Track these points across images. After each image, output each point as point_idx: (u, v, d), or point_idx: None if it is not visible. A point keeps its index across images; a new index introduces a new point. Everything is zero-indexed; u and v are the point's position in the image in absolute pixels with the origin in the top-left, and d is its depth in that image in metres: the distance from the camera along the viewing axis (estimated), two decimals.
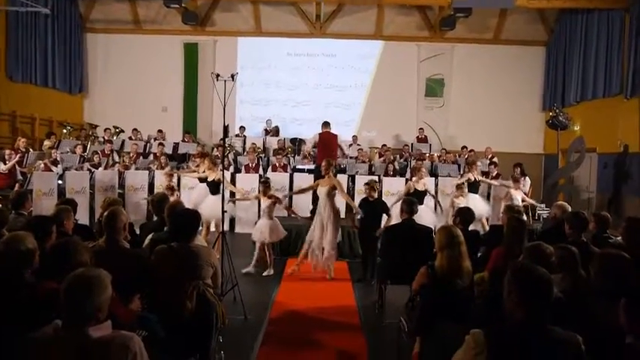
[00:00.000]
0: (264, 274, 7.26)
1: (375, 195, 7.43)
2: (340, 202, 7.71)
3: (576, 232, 4.47)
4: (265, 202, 7.56)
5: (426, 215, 8.09)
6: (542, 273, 2.26)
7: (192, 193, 9.20)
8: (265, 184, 7.86)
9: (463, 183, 9.37)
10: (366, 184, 7.49)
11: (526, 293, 2.21)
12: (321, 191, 7.30)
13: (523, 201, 9.15)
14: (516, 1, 12.70)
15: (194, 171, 9.18)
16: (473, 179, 9.44)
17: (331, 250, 7.26)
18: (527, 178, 10.90)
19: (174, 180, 9.43)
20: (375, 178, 9.95)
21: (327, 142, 9.23)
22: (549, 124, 12.80)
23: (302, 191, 8.60)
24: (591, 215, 5.16)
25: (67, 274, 2.24)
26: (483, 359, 2.15)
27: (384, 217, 7.46)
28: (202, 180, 8.60)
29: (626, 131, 11.68)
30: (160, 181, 10.04)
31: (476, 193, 9.58)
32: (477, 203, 8.95)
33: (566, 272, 3.35)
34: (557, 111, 12.41)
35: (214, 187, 8.20)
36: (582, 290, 3.08)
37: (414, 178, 8.82)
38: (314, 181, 9.11)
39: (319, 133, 9.34)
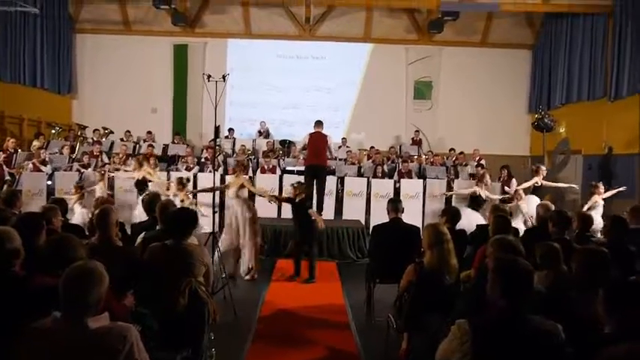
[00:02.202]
0: None
1: (302, 195, 7.39)
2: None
3: (560, 230, 4.59)
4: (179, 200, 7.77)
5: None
6: (523, 265, 2.38)
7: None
8: (179, 182, 8.19)
9: (518, 190, 9.23)
10: (292, 185, 7.56)
11: (508, 283, 2.32)
12: (230, 193, 7.37)
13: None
14: (502, 5, 12.89)
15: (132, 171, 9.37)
16: (540, 184, 9.48)
17: (252, 249, 7.23)
18: (513, 180, 11.04)
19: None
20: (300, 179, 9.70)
21: (316, 143, 9.13)
22: (535, 126, 12.98)
23: (209, 190, 8.64)
24: (575, 215, 5.29)
25: (62, 269, 2.30)
26: (468, 348, 2.25)
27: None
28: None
29: (611, 133, 11.90)
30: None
31: (540, 197, 9.23)
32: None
33: (550, 268, 3.46)
34: (542, 113, 12.60)
35: (140, 186, 8.59)
36: (564, 284, 3.19)
37: (478, 185, 9.21)
38: (306, 181, 9.16)
39: (310, 134, 9.23)
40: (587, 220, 5.05)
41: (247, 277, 7.23)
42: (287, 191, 8.12)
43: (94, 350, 2.11)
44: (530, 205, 8.99)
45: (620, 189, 9.16)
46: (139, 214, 7.46)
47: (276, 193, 9.85)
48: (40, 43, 14.36)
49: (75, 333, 2.11)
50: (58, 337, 2.11)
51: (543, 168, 9.65)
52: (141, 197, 8.38)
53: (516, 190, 9.14)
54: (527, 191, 9.33)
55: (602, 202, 8.58)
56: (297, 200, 7.32)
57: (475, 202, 9.04)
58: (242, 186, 7.35)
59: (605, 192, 8.68)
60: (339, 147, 14.29)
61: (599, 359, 1.85)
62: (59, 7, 14.85)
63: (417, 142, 15.10)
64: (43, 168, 10.43)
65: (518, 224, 7.75)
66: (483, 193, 9.09)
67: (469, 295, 3.62)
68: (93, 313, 2.16)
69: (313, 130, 9.23)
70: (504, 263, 2.44)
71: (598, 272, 2.95)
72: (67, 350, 2.10)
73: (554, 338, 2.27)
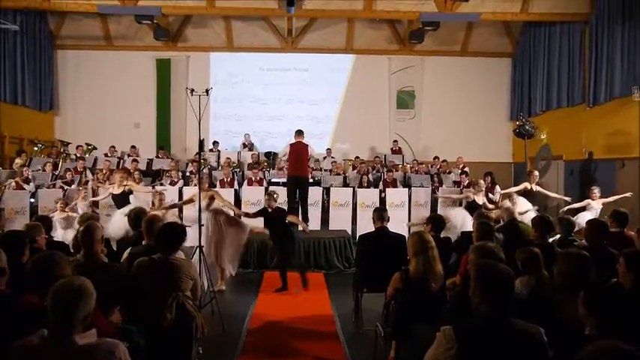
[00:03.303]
0: None
1: (274, 204, 7.35)
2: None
3: (541, 235, 4.67)
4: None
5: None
6: (503, 269, 2.43)
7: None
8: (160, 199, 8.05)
9: (510, 193, 9.43)
10: (267, 193, 7.42)
11: (489, 288, 2.37)
12: (203, 206, 7.11)
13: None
14: (482, 14, 13.11)
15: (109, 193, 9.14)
16: (530, 188, 9.49)
17: (232, 256, 7.22)
18: (497, 186, 11.16)
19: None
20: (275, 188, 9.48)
21: (298, 153, 9.09)
22: (516, 133, 13.17)
23: (173, 206, 8.14)
24: (556, 220, 5.38)
25: (48, 287, 2.29)
26: (453, 354, 2.28)
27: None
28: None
29: (590, 138, 12.12)
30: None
31: (532, 202, 9.26)
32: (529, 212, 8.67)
33: (530, 273, 3.53)
34: (523, 120, 12.79)
35: (124, 199, 8.50)
36: (545, 288, 3.25)
37: (472, 190, 9.19)
38: (288, 192, 9.18)
39: (290, 144, 9.18)
40: (569, 225, 5.15)
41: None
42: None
43: None
44: (523, 207, 9.06)
45: (626, 195, 9.10)
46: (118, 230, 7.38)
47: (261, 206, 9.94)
48: (20, 59, 14.25)
49: (62, 350, 2.11)
50: (46, 354, 2.11)
51: (536, 174, 9.78)
52: (126, 212, 8.35)
53: (510, 194, 9.29)
54: (518, 194, 9.45)
55: (600, 207, 8.70)
56: (270, 211, 7.29)
57: (470, 207, 9.20)
58: (212, 198, 7.30)
59: (600, 197, 8.83)
60: (324, 158, 14.38)
61: (577, 359, 1.89)
62: (39, 23, 14.78)
63: (396, 151, 15.22)
64: (25, 186, 10.32)
65: None
66: (480, 199, 9.17)
67: (454, 301, 3.67)
68: (80, 330, 2.16)
69: (294, 140, 9.19)
70: (484, 269, 2.50)
71: (579, 275, 3.01)
72: None
73: (537, 341, 2.32)
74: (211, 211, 7.20)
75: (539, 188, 9.65)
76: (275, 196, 7.41)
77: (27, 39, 14.35)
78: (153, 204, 8.13)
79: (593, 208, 8.76)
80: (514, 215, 6.19)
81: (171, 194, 10.04)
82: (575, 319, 2.50)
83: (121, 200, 8.55)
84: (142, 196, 8.85)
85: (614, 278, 3.47)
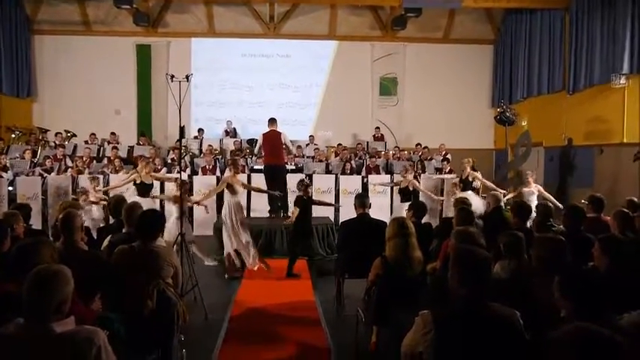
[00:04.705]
0: None
1: (310, 193, 7.71)
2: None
3: (520, 220, 4.74)
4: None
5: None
6: (480, 253, 2.47)
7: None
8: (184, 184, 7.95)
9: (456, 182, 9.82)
10: (304, 184, 7.57)
11: (466, 272, 2.40)
12: (240, 190, 7.40)
13: (543, 198, 8.90)
14: (464, 1, 13.13)
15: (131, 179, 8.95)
16: (463, 178, 9.70)
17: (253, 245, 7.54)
18: (478, 173, 11.26)
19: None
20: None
21: (271, 142, 9.16)
22: (497, 120, 13.27)
23: (209, 195, 8.19)
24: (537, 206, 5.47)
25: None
26: (431, 338, 2.31)
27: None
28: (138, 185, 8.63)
29: (570, 125, 12.27)
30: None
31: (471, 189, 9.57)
32: (472, 200, 8.47)
33: (512, 257, 3.58)
34: (504, 107, 12.89)
35: (145, 189, 8.43)
36: (526, 272, 3.30)
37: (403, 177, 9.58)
38: (266, 181, 9.20)
39: (263, 134, 9.26)
40: (547, 211, 5.23)
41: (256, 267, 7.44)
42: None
43: (60, 355, 2.09)
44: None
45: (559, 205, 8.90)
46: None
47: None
48: None
49: (39, 338, 2.09)
50: (22, 342, 2.09)
51: (464, 161, 9.88)
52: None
53: (455, 184, 9.72)
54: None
55: (535, 192, 8.94)
56: (306, 200, 7.44)
57: (402, 193, 9.48)
58: (242, 184, 7.56)
59: (535, 181, 9.18)
60: (307, 145, 14.35)
61: (550, 339, 1.93)
62: (15, 8, 14.43)
63: (379, 138, 15.25)
64: (3, 174, 10.15)
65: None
66: (403, 183, 9.39)
67: (434, 286, 3.72)
68: (58, 317, 2.14)
69: (267, 129, 9.22)
70: (462, 253, 2.53)
71: (554, 259, 3.07)
72: (32, 356, 2.08)
73: (513, 324, 2.36)
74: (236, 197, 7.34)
75: (477, 175, 9.77)
76: (311, 185, 7.76)
77: (2, 24, 14.02)
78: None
79: (526, 193, 9.00)
80: (500, 203, 6.26)
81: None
82: (551, 303, 2.54)
83: (146, 189, 8.43)
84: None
85: (590, 262, 3.55)
